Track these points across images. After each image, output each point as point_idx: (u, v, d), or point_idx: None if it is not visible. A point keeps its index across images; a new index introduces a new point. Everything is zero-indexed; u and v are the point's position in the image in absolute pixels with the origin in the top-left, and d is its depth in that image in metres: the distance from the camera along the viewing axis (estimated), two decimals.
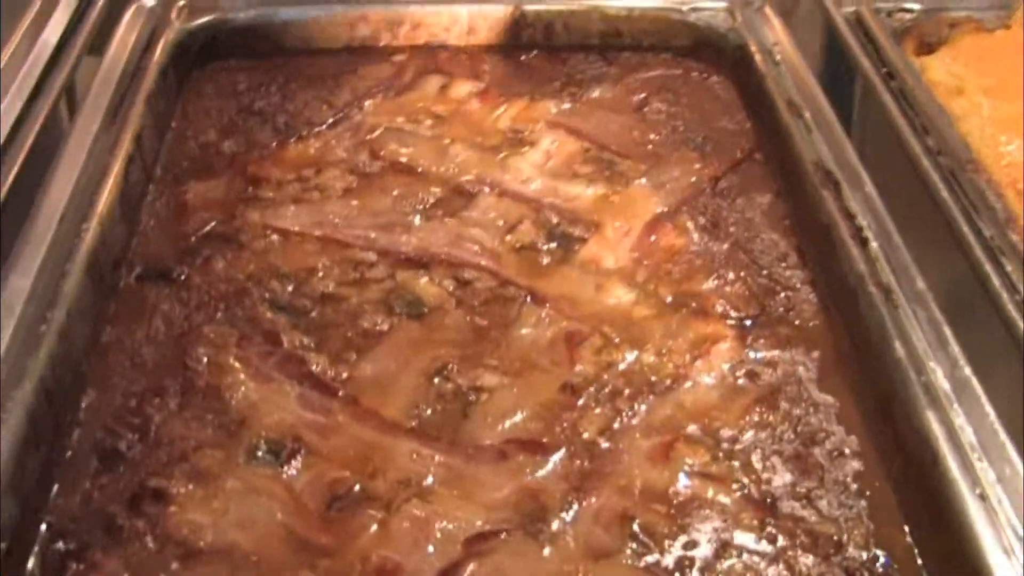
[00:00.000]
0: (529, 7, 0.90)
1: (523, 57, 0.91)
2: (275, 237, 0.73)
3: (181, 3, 0.87)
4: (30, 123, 0.76)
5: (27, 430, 0.57)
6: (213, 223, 0.74)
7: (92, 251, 0.67)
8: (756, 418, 0.62)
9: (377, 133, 0.81)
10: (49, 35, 0.82)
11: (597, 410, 0.62)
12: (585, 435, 0.61)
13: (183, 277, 0.70)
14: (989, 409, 0.57)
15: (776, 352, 0.66)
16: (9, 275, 0.65)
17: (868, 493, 0.58)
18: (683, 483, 0.58)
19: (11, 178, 0.72)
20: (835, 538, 0.56)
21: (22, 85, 0.78)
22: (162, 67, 0.81)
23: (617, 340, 0.66)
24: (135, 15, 0.87)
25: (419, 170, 0.78)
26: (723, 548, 0.55)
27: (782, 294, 0.69)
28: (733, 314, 0.68)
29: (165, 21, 0.86)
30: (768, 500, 0.57)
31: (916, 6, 0.91)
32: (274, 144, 0.81)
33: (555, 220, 0.75)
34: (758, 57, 0.85)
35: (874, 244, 0.68)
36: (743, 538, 0.55)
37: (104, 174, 0.72)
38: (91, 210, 0.69)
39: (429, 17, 0.90)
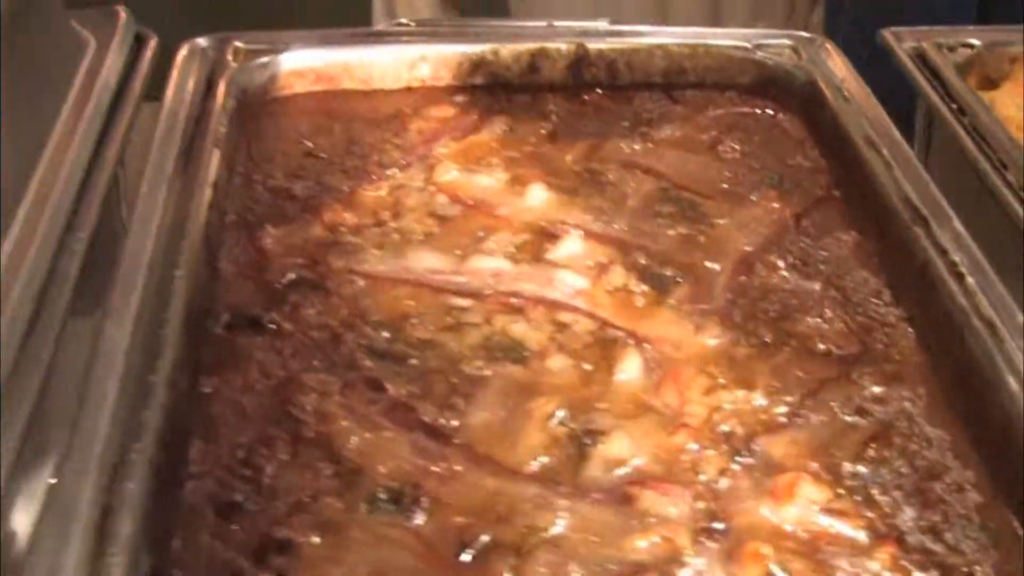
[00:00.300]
0: (592, 45, 0.97)
1: (587, 96, 0.97)
2: (362, 283, 0.77)
3: (237, 44, 0.92)
4: (100, 170, 0.81)
5: (151, 483, 0.61)
6: (296, 269, 0.78)
7: (185, 300, 0.71)
8: (872, 454, 0.67)
9: (452, 176, 0.87)
10: (107, 80, 0.88)
11: (713, 451, 0.67)
12: (705, 476, 0.66)
13: (273, 325, 0.74)
14: None
15: (883, 389, 0.71)
16: (106, 326, 0.70)
17: (992, 525, 0.63)
18: (811, 520, 0.63)
19: (94, 222, 0.76)
20: (965, 570, 0.61)
21: (87, 133, 0.82)
22: (224, 110, 0.86)
23: (724, 381, 0.72)
24: (189, 57, 0.92)
25: (499, 213, 0.84)
26: None
27: (881, 331, 0.76)
28: (835, 351, 0.74)
29: (221, 63, 0.91)
30: (896, 534, 0.63)
31: (976, 41, 0.99)
32: (346, 187, 0.86)
33: (644, 261, 0.80)
34: (828, 94, 0.92)
35: (970, 280, 0.74)
36: (878, 572, 0.61)
37: (185, 221, 0.77)
38: (178, 258, 0.74)
39: (490, 56, 0.96)
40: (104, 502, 0.59)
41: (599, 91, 0.97)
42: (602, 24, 0.97)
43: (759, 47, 0.97)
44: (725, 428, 0.69)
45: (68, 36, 0.87)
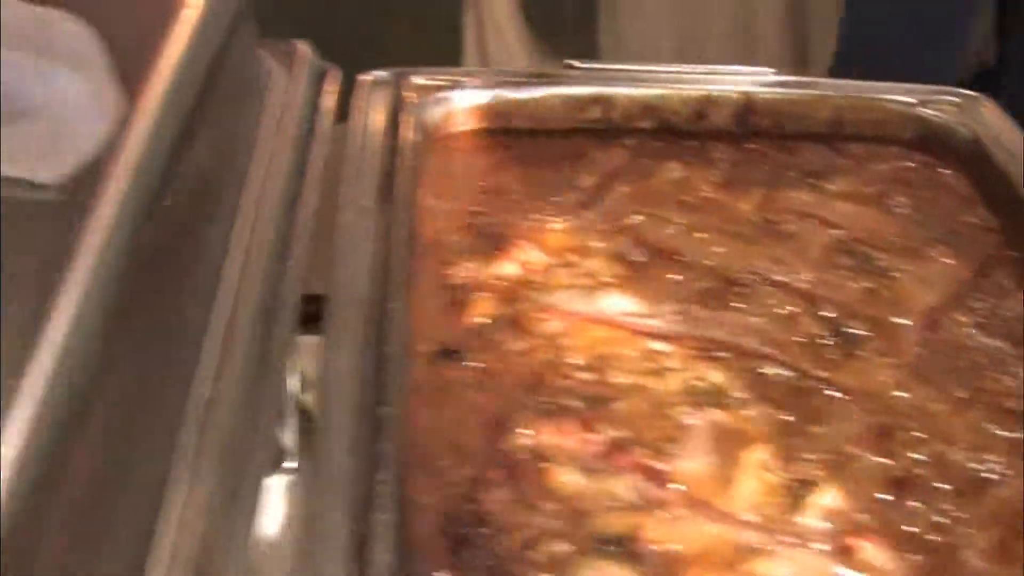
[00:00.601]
0: (758, 94, 1.00)
1: (750, 145, 1.00)
2: (558, 323, 0.80)
3: (415, 79, 0.95)
4: (304, 200, 0.84)
5: (396, 517, 0.63)
6: (492, 306, 0.81)
7: (400, 333, 0.74)
8: None
9: (634, 219, 0.89)
10: (297, 111, 0.90)
11: (923, 504, 0.69)
12: (918, 529, 0.68)
13: (475, 361, 0.77)
14: None
15: None
16: (331, 357, 0.72)
17: None
18: None
19: (306, 247, 0.79)
20: None
21: (286, 163, 0.85)
22: (411, 144, 0.89)
23: (924, 435, 0.74)
24: (369, 90, 0.95)
25: (685, 259, 0.86)
26: None
27: None
28: None
29: (401, 97, 0.94)
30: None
31: None
32: (529, 226, 0.88)
33: (831, 313, 0.82)
34: (996, 151, 0.94)
35: None
36: None
37: (387, 254, 0.79)
38: (387, 291, 0.76)
39: (658, 101, 0.98)
40: (360, 531, 0.62)
41: (762, 140, 1.00)
42: (767, 72, 1.00)
43: (923, 103, 1.00)
44: (932, 483, 0.71)
45: (259, 67, 0.90)
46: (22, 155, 0.65)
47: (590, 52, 2.03)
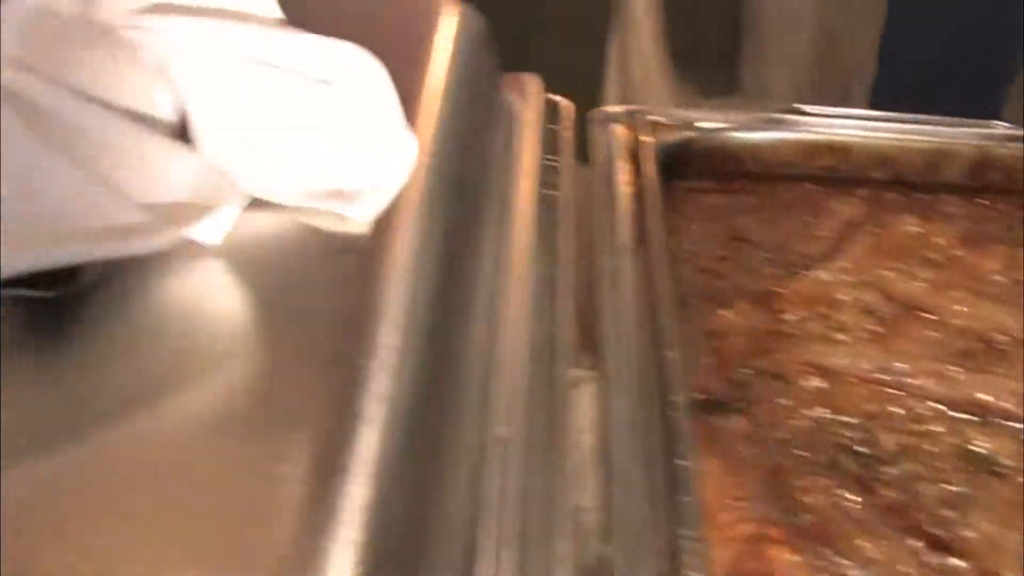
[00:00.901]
0: (994, 148, 0.99)
1: (984, 200, 0.99)
2: (820, 378, 0.80)
3: (651, 117, 0.95)
4: (564, 243, 0.84)
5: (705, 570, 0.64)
6: (753, 357, 0.81)
7: (676, 380, 0.74)
8: None
9: (878, 273, 0.89)
10: (535, 145, 0.91)
11: None
12: None
13: (744, 413, 0.77)
14: None
15: None
16: (614, 403, 0.72)
17: None
18: None
19: (572, 286, 0.79)
20: None
21: (537, 198, 0.86)
22: (654, 186, 0.89)
23: None
24: (603, 127, 0.95)
25: (935, 317, 0.86)
26: None
27: None
28: None
29: (635, 136, 0.94)
30: None
31: None
32: (775, 274, 0.88)
33: None
34: None
35: None
36: None
37: (653, 301, 0.79)
38: (658, 339, 0.76)
39: (890, 151, 0.98)
40: None
41: (992, 194, 0.99)
42: (1001, 126, 0.99)
43: None
44: None
45: (502, 99, 0.91)
46: (341, 189, 0.66)
47: (731, 87, 2.04)
